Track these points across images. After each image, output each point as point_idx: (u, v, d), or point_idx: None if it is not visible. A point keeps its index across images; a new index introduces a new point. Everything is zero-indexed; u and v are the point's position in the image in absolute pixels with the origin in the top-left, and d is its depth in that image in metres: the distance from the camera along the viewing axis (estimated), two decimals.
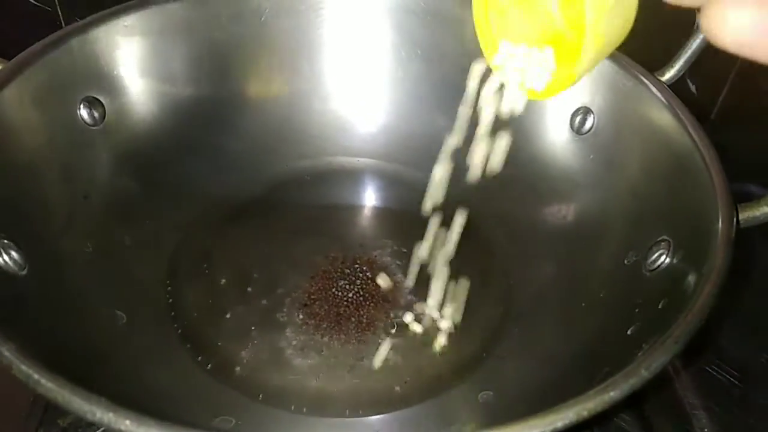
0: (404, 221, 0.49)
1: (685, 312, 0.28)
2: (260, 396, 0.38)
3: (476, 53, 0.49)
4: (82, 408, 0.22)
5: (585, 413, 0.23)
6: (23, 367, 0.24)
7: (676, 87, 0.43)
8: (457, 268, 0.46)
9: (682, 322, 0.27)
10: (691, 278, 0.32)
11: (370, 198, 0.52)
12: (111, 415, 0.22)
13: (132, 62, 0.46)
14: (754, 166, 0.51)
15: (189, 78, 0.48)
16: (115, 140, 0.45)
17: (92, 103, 0.44)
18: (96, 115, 0.44)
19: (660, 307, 0.33)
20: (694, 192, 0.35)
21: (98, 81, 0.44)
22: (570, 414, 0.23)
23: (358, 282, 0.45)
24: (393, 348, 0.41)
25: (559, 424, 0.23)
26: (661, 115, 0.39)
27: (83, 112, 0.43)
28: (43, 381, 0.23)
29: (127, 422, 0.22)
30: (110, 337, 0.38)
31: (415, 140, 0.52)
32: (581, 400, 0.24)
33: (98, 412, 0.22)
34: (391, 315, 0.43)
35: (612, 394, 0.24)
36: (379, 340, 0.42)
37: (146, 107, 0.47)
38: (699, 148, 0.36)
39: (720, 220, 0.32)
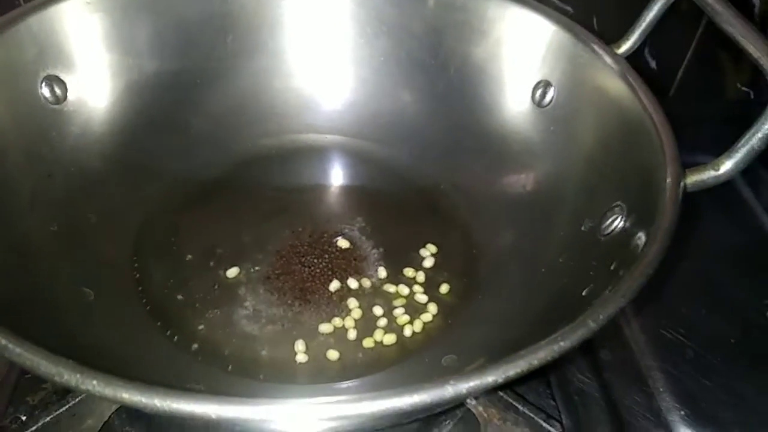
0: (371, 198, 0.50)
1: (631, 269, 0.29)
2: (229, 367, 0.39)
3: (440, 29, 0.51)
4: (49, 371, 0.23)
5: (535, 362, 0.24)
6: None
7: (636, 63, 0.44)
8: (422, 240, 0.47)
9: (628, 278, 0.28)
10: (641, 239, 0.33)
11: (336, 175, 0.53)
12: (78, 376, 0.23)
13: (94, 40, 0.46)
14: (710, 139, 0.53)
15: (152, 56, 0.48)
16: (77, 119, 0.45)
17: (54, 81, 0.44)
18: (58, 93, 0.44)
19: (612, 268, 0.34)
20: (645, 157, 0.37)
21: (59, 59, 0.44)
22: (521, 363, 0.24)
23: (325, 256, 0.46)
24: (358, 318, 0.42)
25: (512, 373, 0.24)
26: (615, 85, 0.41)
27: (45, 91, 0.43)
28: (11, 346, 0.24)
29: (94, 382, 0.22)
30: (78, 313, 0.38)
31: (381, 117, 0.53)
32: (532, 350, 0.25)
33: (66, 373, 0.23)
34: (357, 286, 0.44)
35: (562, 344, 0.25)
36: (344, 311, 0.43)
37: (109, 85, 0.47)
38: (650, 114, 0.37)
39: (668, 182, 0.33)
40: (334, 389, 0.38)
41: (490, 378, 0.24)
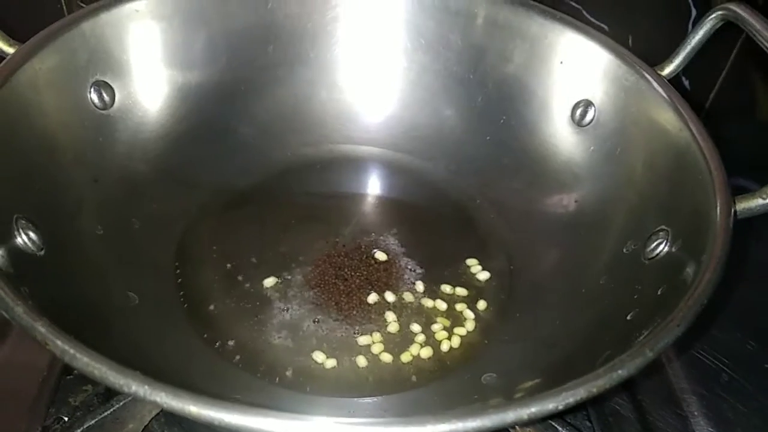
0: (407, 210, 0.51)
1: (686, 297, 0.29)
2: (267, 378, 0.39)
3: (480, 45, 0.51)
4: (117, 381, 0.23)
5: (594, 390, 0.25)
6: (59, 343, 0.25)
7: (671, 81, 0.44)
8: (460, 254, 0.47)
9: (683, 307, 0.28)
10: (690, 266, 0.33)
11: (374, 186, 0.53)
12: (146, 387, 0.23)
13: (141, 47, 0.46)
14: (743, 160, 0.53)
15: (197, 64, 0.49)
16: (124, 124, 0.46)
17: (102, 87, 0.44)
18: (106, 99, 0.45)
19: (659, 293, 0.34)
20: (692, 184, 0.37)
21: (108, 65, 0.45)
22: (581, 390, 0.24)
23: (362, 268, 0.46)
24: (395, 332, 0.43)
25: (571, 400, 0.24)
26: (661, 110, 0.41)
27: (93, 96, 0.44)
28: (78, 356, 0.24)
29: (163, 394, 0.23)
30: (123, 317, 0.39)
31: (419, 130, 0.54)
32: (591, 378, 0.25)
33: (134, 385, 0.23)
34: (394, 299, 0.44)
35: (620, 372, 0.25)
36: (382, 324, 0.43)
37: (155, 92, 0.48)
38: (698, 142, 0.37)
39: (718, 211, 0.33)
40: (373, 404, 0.38)
41: (551, 405, 0.24)
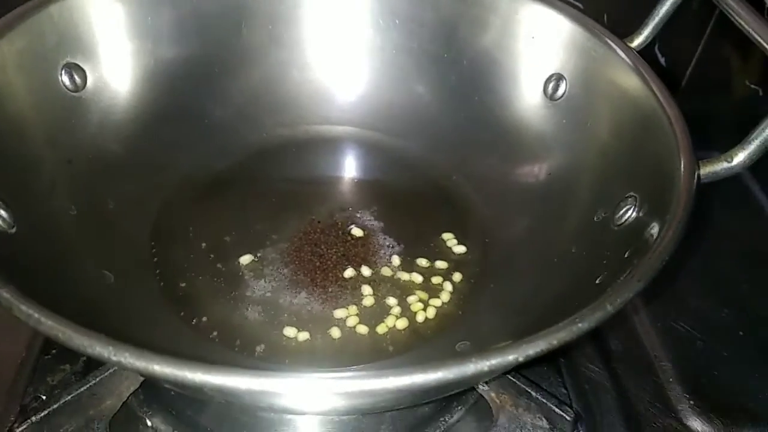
0: (384, 188, 0.51)
1: (647, 254, 0.29)
2: (244, 352, 0.40)
3: (453, 22, 0.51)
4: (81, 343, 0.24)
5: (555, 342, 0.25)
6: (23, 307, 0.25)
7: (646, 59, 0.44)
8: (436, 229, 0.48)
9: (644, 263, 0.29)
10: (655, 228, 0.34)
11: (350, 166, 0.53)
12: (111, 348, 0.23)
13: (113, 28, 0.46)
14: (718, 135, 0.53)
15: (169, 44, 0.49)
16: (97, 106, 0.46)
17: (73, 69, 0.44)
18: (78, 81, 0.45)
19: (626, 256, 0.35)
20: (659, 150, 0.37)
21: (79, 47, 0.45)
22: (541, 343, 0.25)
23: (339, 244, 0.46)
24: (371, 305, 0.43)
25: (531, 352, 0.25)
26: (629, 78, 0.41)
27: (65, 78, 0.44)
28: (43, 319, 0.24)
29: (127, 354, 0.23)
30: (99, 294, 0.39)
31: (394, 108, 0.54)
32: (552, 331, 0.25)
33: (98, 346, 0.23)
34: (370, 273, 0.45)
35: (580, 324, 0.26)
36: (358, 297, 0.43)
37: (127, 74, 0.47)
38: (663, 107, 0.37)
39: (681, 173, 0.34)
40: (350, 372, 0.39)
41: (511, 356, 0.24)
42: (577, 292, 0.37)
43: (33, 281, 0.33)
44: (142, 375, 0.27)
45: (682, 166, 0.34)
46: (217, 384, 0.23)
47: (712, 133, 0.46)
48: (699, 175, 0.35)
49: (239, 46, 0.52)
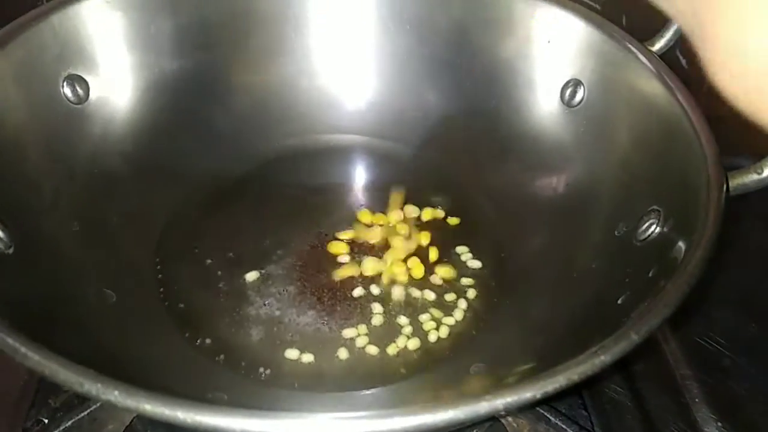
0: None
1: (674, 277, 0.28)
2: (251, 375, 0.38)
3: (466, 27, 0.49)
4: (69, 379, 0.22)
5: (575, 377, 0.23)
6: (9, 341, 0.23)
7: (668, 61, 0.42)
8: (449, 242, 0.46)
9: (671, 288, 0.27)
10: (681, 246, 0.32)
11: (359, 176, 0.52)
12: (99, 385, 0.22)
13: (115, 39, 0.45)
14: (744, 140, 0.51)
15: (173, 54, 0.47)
16: (99, 119, 0.45)
17: (76, 80, 0.43)
18: (80, 92, 0.44)
19: (650, 275, 0.33)
20: (684, 160, 0.35)
21: (81, 58, 0.43)
22: (560, 378, 0.23)
23: (348, 258, 0.44)
24: (382, 323, 0.41)
25: (550, 389, 0.23)
26: (651, 84, 0.39)
27: (66, 90, 0.43)
28: (30, 354, 0.23)
29: (116, 393, 0.22)
30: (100, 315, 0.38)
31: (404, 116, 0.52)
32: (572, 365, 0.24)
33: (86, 383, 0.22)
34: (380, 290, 0.43)
35: (603, 357, 0.24)
36: (369, 316, 0.42)
37: (131, 85, 0.46)
38: (688, 115, 0.36)
39: (709, 187, 0.32)
40: (359, 398, 0.37)
41: (528, 394, 0.22)
42: (597, 312, 0.36)
43: (29, 305, 0.32)
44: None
45: (710, 180, 0.32)
46: (210, 424, 0.21)
47: (737, 138, 0.44)
48: (728, 189, 0.33)
49: (246, 54, 0.50)
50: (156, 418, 0.22)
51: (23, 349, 0.23)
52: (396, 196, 0.47)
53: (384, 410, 0.22)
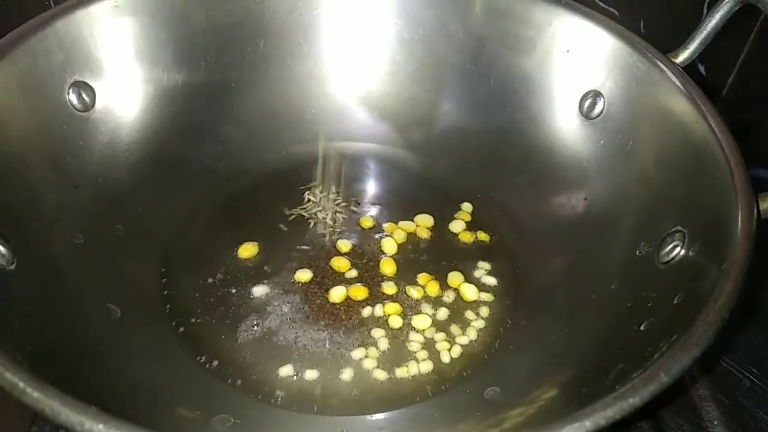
0: (406, 207, 0.48)
1: (705, 311, 0.26)
2: (259, 395, 0.37)
3: (481, 34, 0.48)
4: (69, 419, 0.21)
5: (602, 422, 0.22)
6: (8, 375, 0.22)
7: (685, 68, 0.41)
8: (464, 258, 0.45)
9: (702, 322, 0.26)
10: (710, 274, 0.30)
11: (371, 185, 0.50)
12: (101, 426, 0.21)
13: (122, 45, 0.44)
14: (764, 150, 0.50)
15: (181, 61, 0.46)
16: (105, 127, 0.43)
17: (82, 87, 0.42)
18: (86, 100, 0.42)
19: (675, 302, 0.31)
20: (710, 182, 0.34)
21: (87, 64, 0.42)
22: (586, 423, 0.22)
23: (358, 273, 0.43)
24: (393, 344, 0.40)
25: None
26: (676, 100, 0.38)
27: (72, 97, 0.42)
28: (29, 390, 0.22)
29: None
30: (104, 331, 0.37)
31: (418, 124, 0.51)
32: (598, 408, 0.22)
33: (87, 422, 0.21)
34: (392, 307, 0.42)
35: (632, 400, 0.23)
36: (382, 335, 0.40)
37: (137, 92, 0.45)
38: (716, 135, 0.34)
39: (740, 212, 0.30)
40: (371, 421, 0.36)
41: None
42: (618, 337, 0.35)
43: (30, 324, 0.31)
44: None
45: (740, 205, 0.31)
46: None
47: (756, 148, 0.43)
48: (759, 214, 0.31)
49: (256, 60, 0.49)
50: None
51: (21, 385, 0.22)
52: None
53: None
